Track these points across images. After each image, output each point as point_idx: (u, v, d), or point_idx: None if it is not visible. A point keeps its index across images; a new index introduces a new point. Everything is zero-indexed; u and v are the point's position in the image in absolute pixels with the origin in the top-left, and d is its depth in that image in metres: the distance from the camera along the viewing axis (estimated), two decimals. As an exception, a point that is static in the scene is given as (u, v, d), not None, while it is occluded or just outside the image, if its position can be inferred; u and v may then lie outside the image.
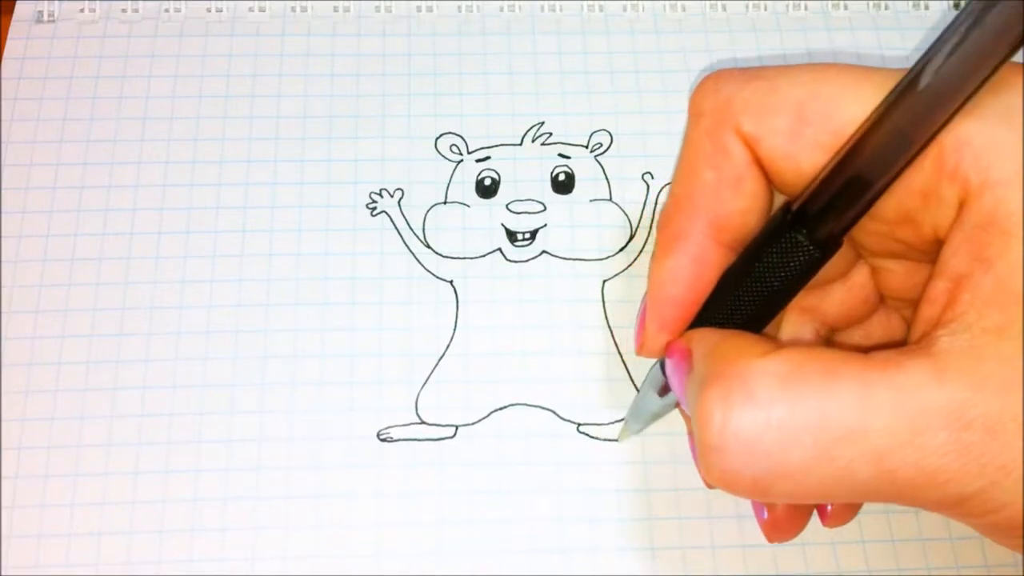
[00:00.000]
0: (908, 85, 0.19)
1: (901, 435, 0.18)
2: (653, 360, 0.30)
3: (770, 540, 0.25)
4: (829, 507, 0.25)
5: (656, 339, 0.24)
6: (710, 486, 0.27)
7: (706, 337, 0.22)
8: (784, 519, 0.25)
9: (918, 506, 0.19)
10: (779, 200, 0.23)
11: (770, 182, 0.22)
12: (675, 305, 0.23)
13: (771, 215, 0.23)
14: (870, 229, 0.22)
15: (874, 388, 0.18)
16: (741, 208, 0.22)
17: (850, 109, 0.20)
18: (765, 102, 0.21)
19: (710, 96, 0.22)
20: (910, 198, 0.20)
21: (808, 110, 0.21)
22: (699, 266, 0.23)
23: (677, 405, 0.27)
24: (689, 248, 0.23)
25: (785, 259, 0.22)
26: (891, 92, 0.20)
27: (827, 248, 0.21)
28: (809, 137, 0.21)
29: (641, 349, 0.24)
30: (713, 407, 0.19)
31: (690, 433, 0.25)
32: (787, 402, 0.18)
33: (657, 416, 0.28)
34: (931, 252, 0.21)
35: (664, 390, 0.26)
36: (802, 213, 0.21)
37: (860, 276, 0.25)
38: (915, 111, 0.19)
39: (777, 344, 0.20)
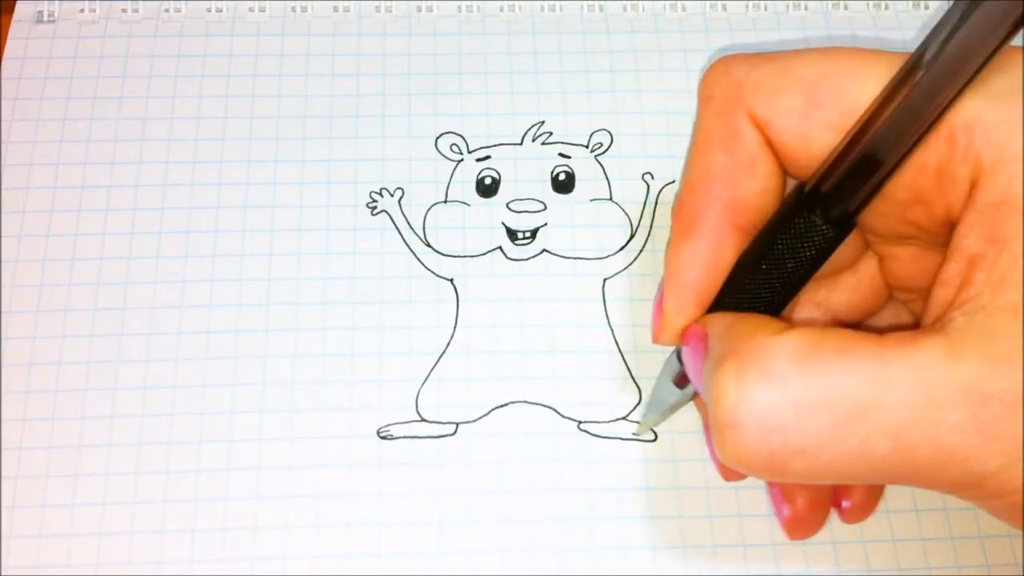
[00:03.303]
0: (916, 61, 0.19)
1: (917, 411, 0.18)
2: (655, 358, 0.30)
3: (791, 536, 0.25)
4: (846, 503, 0.25)
5: (674, 324, 0.23)
6: (726, 477, 0.27)
7: (722, 319, 0.22)
8: (805, 514, 0.24)
9: (936, 488, 0.19)
10: (791, 184, 0.23)
11: (782, 165, 0.22)
12: (693, 289, 0.23)
13: (784, 197, 0.23)
14: (882, 210, 0.22)
15: (889, 365, 0.18)
16: (756, 190, 0.22)
17: (861, 89, 0.20)
18: (776, 83, 0.21)
19: (720, 79, 0.22)
20: (923, 177, 0.20)
21: (819, 90, 0.21)
22: (716, 250, 0.22)
23: (694, 396, 0.27)
24: (705, 232, 0.22)
25: (800, 240, 0.22)
26: (901, 69, 0.20)
27: (842, 228, 0.21)
28: (820, 117, 0.21)
29: (658, 336, 0.24)
30: (728, 383, 0.19)
31: (706, 427, 0.25)
32: (802, 378, 0.18)
33: (675, 408, 0.28)
34: (941, 235, 0.21)
35: (681, 380, 0.26)
36: (815, 193, 0.21)
37: (868, 267, 0.25)
38: (924, 85, 0.19)
39: (792, 324, 0.20)
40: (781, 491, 0.25)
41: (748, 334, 0.20)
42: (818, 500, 0.25)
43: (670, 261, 0.23)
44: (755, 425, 0.19)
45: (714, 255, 0.23)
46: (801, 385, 0.18)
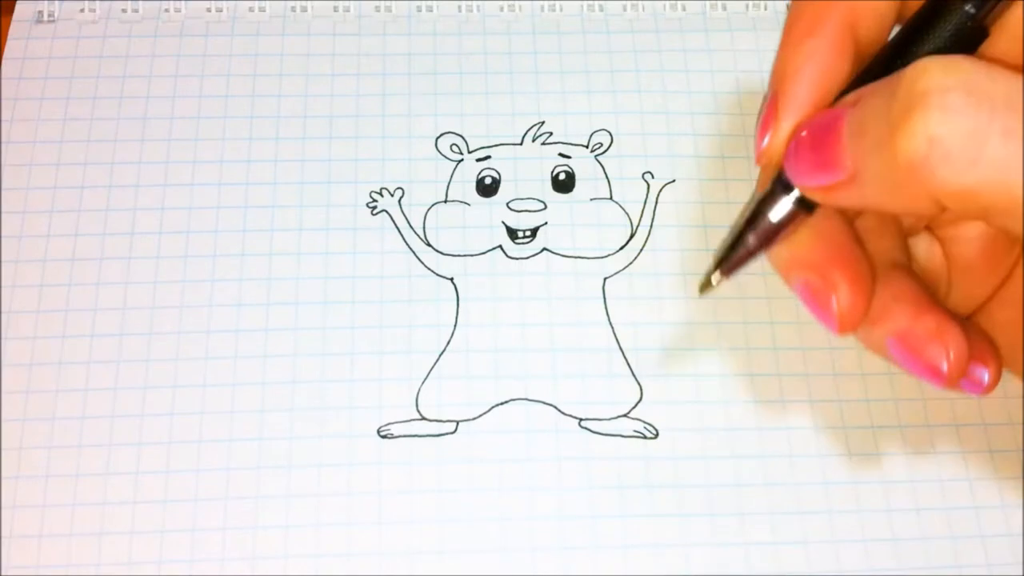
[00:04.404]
0: None
1: None
2: (655, 356, 0.29)
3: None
4: (986, 375, 0.22)
5: (791, 122, 0.20)
6: (841, 328, 0.21)
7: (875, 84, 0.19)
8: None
9: None
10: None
11: None
12: (816, 86, 0.20)
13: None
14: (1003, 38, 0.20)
15: None
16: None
17: None
18: None
19: None
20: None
21: None
22: (836, 54, 0.20)
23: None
24: (826, 34, 0.20)
25: (946, 31, 0.20)
26: None
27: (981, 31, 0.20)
28: None
29: (771, 144, 0.20)
30: (934, 63, 0.16)
31: (782, 263, 0.22)
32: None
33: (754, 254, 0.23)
34: None
35: (768, 232, 0.21)
36: None
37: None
38: None
39: None
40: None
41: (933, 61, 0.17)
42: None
43: (787, 60, 0.21)
44: (964, 99, 0.15)
45: (834, 59, 0.20)
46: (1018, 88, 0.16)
